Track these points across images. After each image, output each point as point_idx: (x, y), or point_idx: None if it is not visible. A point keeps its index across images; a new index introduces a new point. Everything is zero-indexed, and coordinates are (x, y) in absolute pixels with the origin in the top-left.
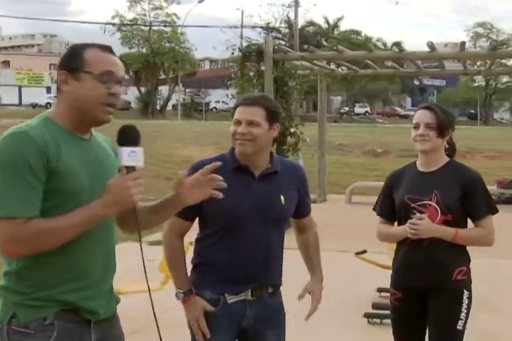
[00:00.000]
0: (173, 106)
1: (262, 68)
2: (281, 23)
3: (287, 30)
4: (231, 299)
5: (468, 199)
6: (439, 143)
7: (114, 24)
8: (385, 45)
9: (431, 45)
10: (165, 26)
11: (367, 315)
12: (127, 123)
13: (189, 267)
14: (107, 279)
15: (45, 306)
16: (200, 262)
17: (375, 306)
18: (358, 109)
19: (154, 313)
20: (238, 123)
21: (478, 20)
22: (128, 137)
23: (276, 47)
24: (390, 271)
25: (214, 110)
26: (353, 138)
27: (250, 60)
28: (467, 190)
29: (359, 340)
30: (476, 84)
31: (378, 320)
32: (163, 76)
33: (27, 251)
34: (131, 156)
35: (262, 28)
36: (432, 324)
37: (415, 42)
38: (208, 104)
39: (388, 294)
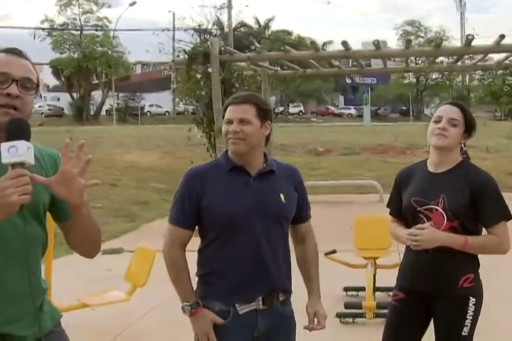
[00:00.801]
0: (106, 111)
1: (209, 70)
2: (213, 24)
3: (219, 32)
4: (242, 309)
5: (478, 204)
6: (457, 141)
7: (43, 29)
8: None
9: (377, 44)
10: (96, 30)
11: (339, 315)
12: (13, 117)
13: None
14: (25, 302)
15: None
16: (205, 273)
17: (347, 305)
18: (292, 109)
19: None
20: (230, 122)
21: (406, 18)
22: (9, 131)
23: (222, 48)
24: (357, 270)
25: (148, 114)
26: (294, 138)
27: (197, 62)
28: (476, 194)
29: (333, 339)
30: (406, 81)
31: (350, 319)
32: (95, 81)
33: None
34: (10, 152)
35: (194, 30)
36: (437, 330)
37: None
38: (142, 108)
39: (354, 293)
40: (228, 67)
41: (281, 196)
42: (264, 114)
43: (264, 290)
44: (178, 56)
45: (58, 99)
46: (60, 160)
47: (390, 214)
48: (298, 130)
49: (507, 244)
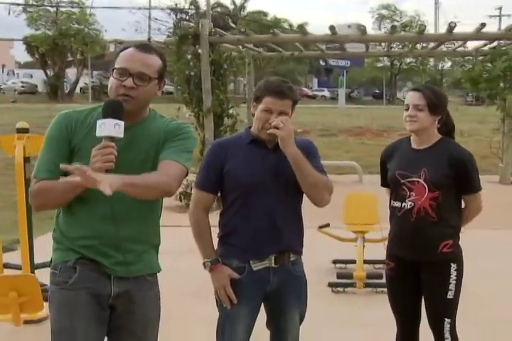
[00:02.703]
0: (80, 89)
1: (199, 51)
2: (190, 4)
3: (194, 12)
4: (256, 266)
5: (459, 176)
6: (428, 122)
7: (19, 4)
8: (291, 26)
9: (363, 29)
10: (72, 7)
11: (331, 285)
12: (108, 100)
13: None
14: (127, 246)
15: (68, 252)
16: (224, 233)
17: (339, 276)
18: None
19: None
20: (269, 112)
21: (380, 2)
22: (103, 111)
23: (212, 30)
24: (344, 245)
25: None
26: None
27: (187, 42)
28: (457, 166)
29: (326, 307)
30: (381, 65)
31: (341, 289)
32: (70, 58)
33: (36, 204)
34: (101, 127)
35: (170, 9)
36: (425, 295)
37: (320, 24)
38: None
39: (342, 265)
40: (218, 48)
41: None
42: (295, 104)
43: (276, 250)
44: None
45: (31, 76)
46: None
47: (382, 185)
48: None
49: (481, 205)
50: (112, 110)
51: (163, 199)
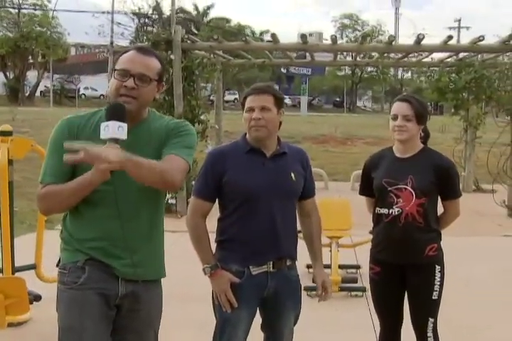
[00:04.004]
0: (41, 92)
1: (171, 57)
2: (154, 10)
3: (156, 17)
4: (255, 271)
5: (442, 182)
6: (415, 132)
7: None
8: (253, 33)
9: (334, 39)
10: (35, 10)
11: (306, 289)
12: (111, 103)
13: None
14: (134, 246)
15: (77, 253)
16: (223, 239)
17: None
18: (227, 96)
19: None
20: (251, 110)
21: (341, 12)
22: (107, 114)
23: (185, 36)
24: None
25: (83, 97)
26: (236, 126)
27: (159, 48)
28: (441, 174)
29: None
30: (342, 73)
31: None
32: (31, 61)
33: (44, 207)
34: (105, 130)
35: (133, 13)
36: (410, 296)
37: (283, 32)
38: (77, 90)
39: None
40: (190, 54)
41: (292, 175)
42: (280, 102)
43: (274, 256)
44: (132, 41)
45: None
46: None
47: (360, 194)
48: (237, 117)
49: (459, 210)
50: (115, 113)
51: (164, 200)
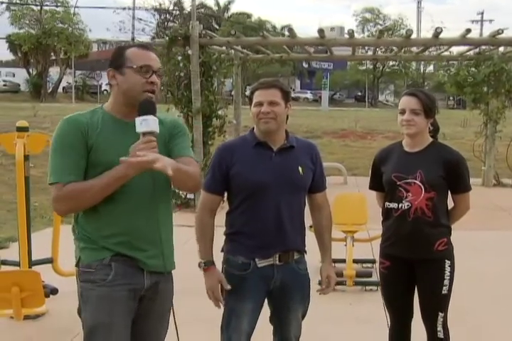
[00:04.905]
0: (63, 88)
1: (189, 52)
2: (175, 5)
3: (178, 13)
4: (261, 263)
5: (452, 176)
6: (423, 126)
7: (2, 2)
8: (274, 28)
9: (351, 33)
10: (57, 6)
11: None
12: (144, 99)
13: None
14: (155, 240)
15: (102, 251)
16: (231, 232)
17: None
18: (248, 92)
19: None
20: (260, 104)
21: (363, 6)
22: (141, 109)
23: (203, 32)
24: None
25: (105, 92)
26: None
27: (177, 44)
28: (450, 168)
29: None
30: (363, 68)
31: None
32: (53, 57)
33: (67, 208)
34: (142, 124)
35: (154, 9)
36: (420, 290)
37: (304, 26)
38: (99, 86)
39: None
40: (207, 49)
41: (299, 168)
42: (287, 96)
43: (281, 249)
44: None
45: (13, 75)
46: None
47: (370, 188)
48: None
49: (469, 204)
50: (149, 108)
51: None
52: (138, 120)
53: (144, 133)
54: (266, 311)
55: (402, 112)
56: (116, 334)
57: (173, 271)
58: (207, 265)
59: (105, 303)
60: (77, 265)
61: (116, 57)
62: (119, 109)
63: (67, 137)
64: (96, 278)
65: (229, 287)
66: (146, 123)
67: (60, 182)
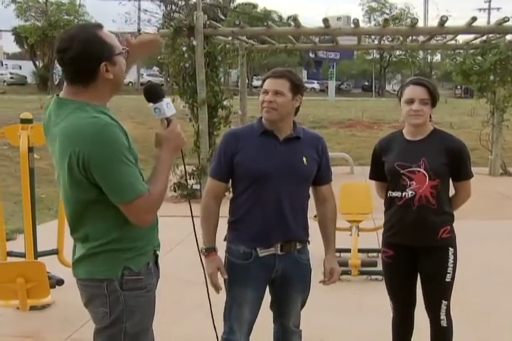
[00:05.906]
0: None
1: (194, 43)
2: None
3: (183, 3)
4: (262, 253)
5: (454, 164)
6: (429, 115)
7: None
8: (281, 18)
9: (356, 22)
10: None
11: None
12: (146, 84)
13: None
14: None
15: (144, 256)
16: (234, 220)
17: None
18: (255, 82)
19: None
20: (266, 92)
21: None
22: (148, 95)
23: (207, 22)
24: (340, 233)
25: None
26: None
27: (182, 34)
28: (453, 155)
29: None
30: (370, 57)
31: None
32: None
33: (155, 215)
34: (169, 107)
35: (160, 0)
36: (423, 278)
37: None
38: None
39: (336, 254)
40: (212, 40)
41: (304, 159)
42: (297, 88)
43: (282, 239)
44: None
45: (20, 68)
46: None
47: (370, 178)
48: None
49: (470, 191)
50: (156, 92)
51: None
52: (151, 108)
53: (167, 119)
54: (267, 298)
55: (410, 102)
56: (152, 335)
57: (181, 261)
58: (208, 251)
59: (152, 307)
60: (118, 276)
61: (101, 49)
62: (106, 100)
63: (122, 147)
64: (144, 284)
65: (226, 276)
66: (170, 107)
67: (145, 191)
